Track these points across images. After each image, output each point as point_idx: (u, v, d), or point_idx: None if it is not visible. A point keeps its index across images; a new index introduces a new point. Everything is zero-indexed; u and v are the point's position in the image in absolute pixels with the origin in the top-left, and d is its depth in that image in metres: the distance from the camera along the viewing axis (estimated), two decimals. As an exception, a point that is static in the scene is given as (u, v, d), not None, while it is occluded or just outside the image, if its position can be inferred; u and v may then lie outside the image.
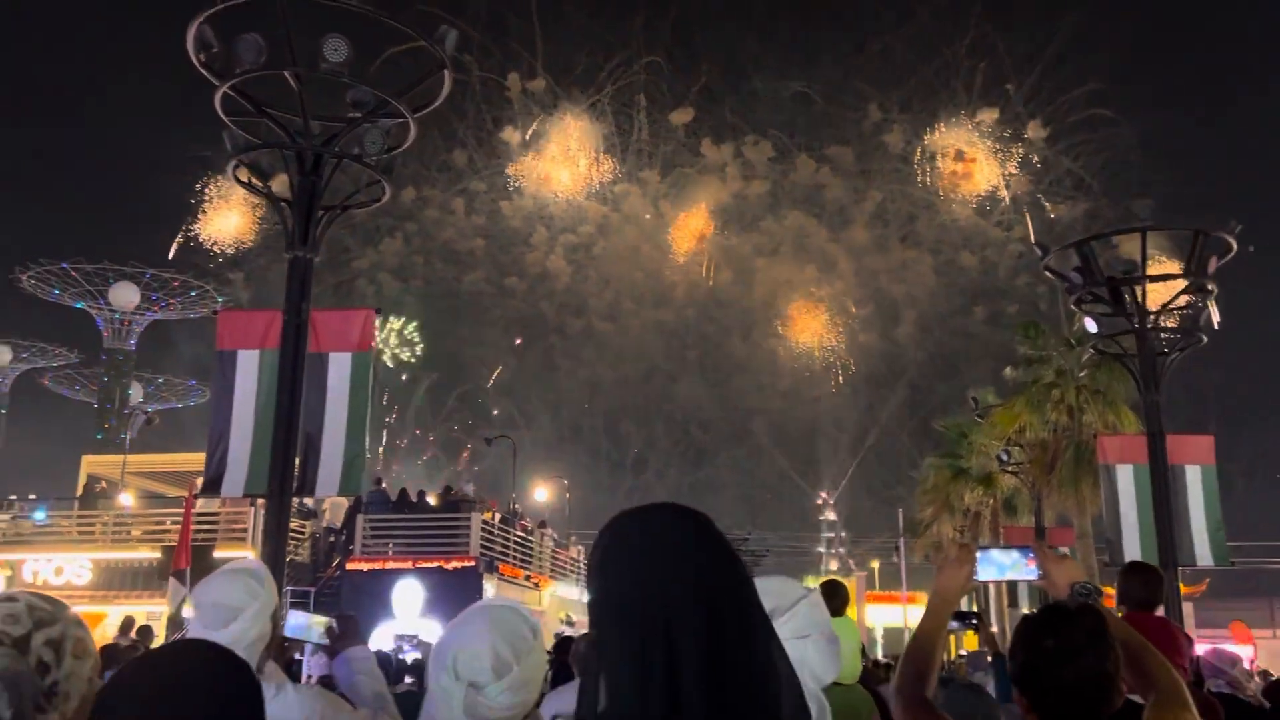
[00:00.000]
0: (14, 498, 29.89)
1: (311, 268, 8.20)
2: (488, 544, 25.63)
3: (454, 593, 22.62)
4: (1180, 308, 11.95)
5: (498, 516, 27.92)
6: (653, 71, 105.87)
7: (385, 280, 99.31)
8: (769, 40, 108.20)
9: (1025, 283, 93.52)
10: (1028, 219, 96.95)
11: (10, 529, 26.34)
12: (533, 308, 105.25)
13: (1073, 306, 12.83)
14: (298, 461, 8.00)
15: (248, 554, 20.39)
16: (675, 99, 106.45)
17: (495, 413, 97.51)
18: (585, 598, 1.48)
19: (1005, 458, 25.43)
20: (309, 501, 23.90)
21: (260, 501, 8.96)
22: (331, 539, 25.68)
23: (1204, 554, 11.45)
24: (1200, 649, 7.31)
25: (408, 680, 9.42)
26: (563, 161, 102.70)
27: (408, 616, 22.65)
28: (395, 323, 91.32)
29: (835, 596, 9.16)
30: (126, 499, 27.61)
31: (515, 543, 28.13)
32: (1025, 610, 25.70)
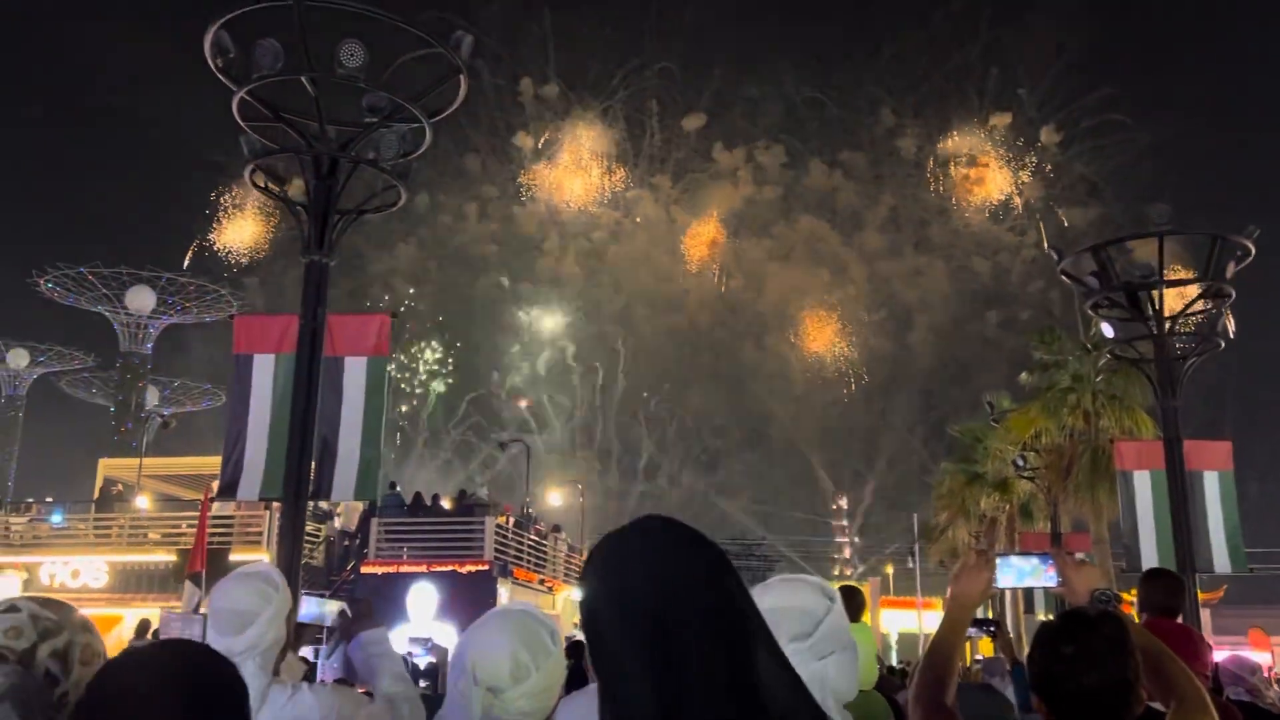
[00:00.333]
0: (31, 500, 30.10)
1: (328, 272, 8.22)
2: (502, 548, 25.66)
3: (468, 596, 22.67)
4: (1198, 313, 11.88)
5: (512, 521, 27.96)
6: (664, 77, 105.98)
7: (399, 285, 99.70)
8: (781, 45, 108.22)
9: (1038, 288, 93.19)
10: (1041, 225, 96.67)
11: (28, 531, 26.51)
12: (546, 312, 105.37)
13: (1089, 311, 12.76)
14: (313, 465, 8.02)
15: (263, 557, 20.46)
16: (687, 104, 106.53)
17: (510, 403, 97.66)
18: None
19: (1021, 463, 25.30)
20: (324, 505, 23.96)
21: (275, 505, 8.99)
22: (346, 542, 25.76)
23: (1222, 560, 11.38)
24: (1218, 656, 7.26)
25: (422, 684, 9.43)
26: (575, 171, 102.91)
27: (422, 620, 22.69)
28: (431, 354, 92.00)
29: (852, 602, 9.14)
30: (142, 502, 27.75)
31: (529, 547, 28.16)
32: (1041, 616, 25.57)
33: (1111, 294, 11.49)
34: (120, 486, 28.90)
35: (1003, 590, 29.16)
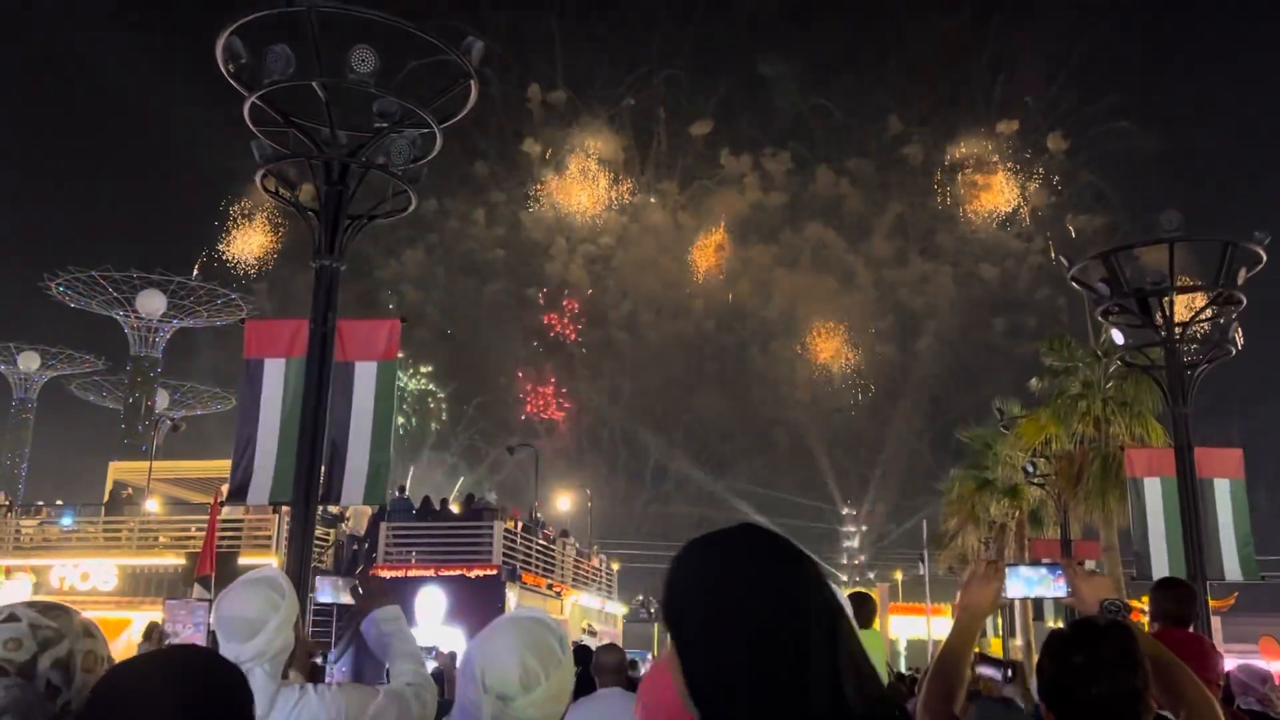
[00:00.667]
0: (41, 503, 30.17)
1: (338, 277, 8.24)
2: (510, 552, 25.66)
3: (476, 601, 22.66)
4: (1208, 320, 11.83)
5: (520, 525, 27.96)
6: (672, 84, 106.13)
7: (407, 290, 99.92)
8: (788, 52, 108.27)
9: (1045, 295, 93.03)
10: (1048, 232, 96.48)
11: (38, 534, 26.58)
12: (552, 318, 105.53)
13: (1100, 318, 12.73)
14: (323, 470, 8.03)
15: (271, 561, 20.50)
16: (694, 111, 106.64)
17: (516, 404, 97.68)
18: (667, 613, 1.54)
19: (1031, 469, 25.21)
20: (332, 509, 24.00)
21: (284, 509, 9.02)
22: (355, 547, 25.77)
23: (1233, 568, 11.33)
24: (1229, 664, 7.23)
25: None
26: (582, 181, 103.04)
27: (430, 624, 22.69)
28: (416, 382, 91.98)
29: (863, 608, 9.12)
30: (152, 505, 27.82)
31: (537, 551, 28.15)
32: (1051, 624, 25.48)
33: (1122, 300, 11.46)
34: (130, 490, 28.97)
35: (1012, 599, 28.94)
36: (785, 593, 1.44)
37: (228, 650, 3.00)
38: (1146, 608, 5.50)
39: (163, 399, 67.02)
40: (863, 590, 9.82)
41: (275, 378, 8.28)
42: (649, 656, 38.25)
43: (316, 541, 21.20)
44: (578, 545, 34.38)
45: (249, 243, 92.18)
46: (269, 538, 23.24)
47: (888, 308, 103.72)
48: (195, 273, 67.14)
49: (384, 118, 8.25)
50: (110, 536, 25.96)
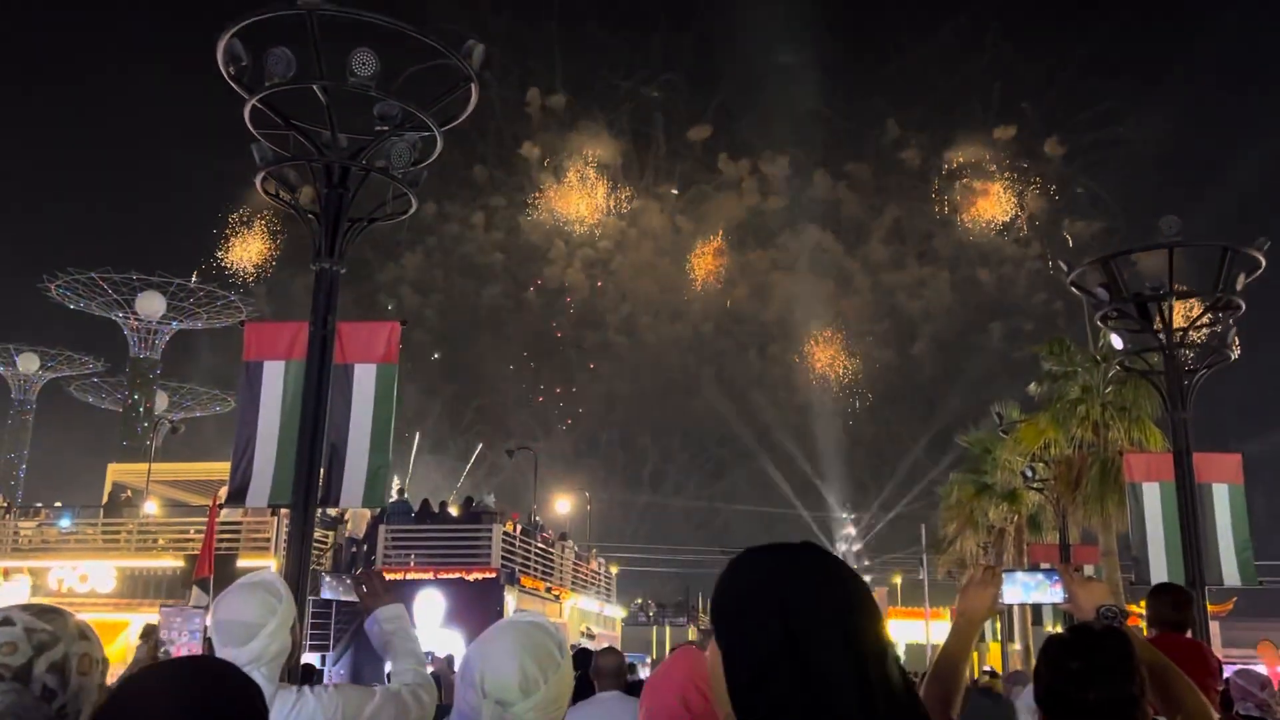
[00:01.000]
0: (40, 505, 30.15)
1: (338, 280, 8.25)
2: (509, 555, 25.65)
3: (475, 604, 22.65)
4: (1207, 325, 11.84)
5: (519, 528, 27.94)
6: (671, 88, 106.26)
7: (406, 293, 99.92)
8: (787, 57, 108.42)
9: (1042, 300, 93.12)
10: (1044, 238, 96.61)
11: (36, 536, 26.56)
12: (550, 321, 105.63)
13: (1099, 323, 12.74)
14: (322, 472, 8.03)
15: (270, 563, 20.49)
16: (692, 116, 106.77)
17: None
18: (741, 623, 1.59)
19: (1030, 474, 25.21)
20: (331, 511, 23.99)
21: (283, 511, 9.03)
22: (354, 549, 25.75)
23: (1231, 573, 11.33)
24: (1228, 670, 7.23)
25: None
26: (581, 189, 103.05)
27: (429, 627, 22.67)
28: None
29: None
30: (151, 507, 27.80)
31: (536, 554, 28.13)
32: (1050, 629, 25.45)
33: (1121, 305, 11.47)
34: (129, 492, 28.96)
35: (1010, 605, 28.93)
36: (828, 607, 1.53)
37: (224, 654, 3.00)
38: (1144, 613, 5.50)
39: (162, 401, 66.98)
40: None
41: (275, 380, 8.28)
42: (648, 660, 38.23)
43: (316, 544, 21.19)
44: (576, 548, 34.37)
45: (248, 250, 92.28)
46: (268, 540, 23.23)
47: (885, 311, 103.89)
48: (194, 278, 66.97)
49: (384, 121, 8.26)
50: (109, 538, 25.94)
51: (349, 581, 23.07)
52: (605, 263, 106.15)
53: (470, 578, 24.21)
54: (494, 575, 24.32)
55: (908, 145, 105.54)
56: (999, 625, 36.91)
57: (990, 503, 32.58)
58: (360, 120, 8.48)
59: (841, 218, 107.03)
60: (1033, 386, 27.33)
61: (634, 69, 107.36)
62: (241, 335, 8.71)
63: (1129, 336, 12.06)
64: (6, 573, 25.20)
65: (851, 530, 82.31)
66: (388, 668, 3.68)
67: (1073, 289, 12.11)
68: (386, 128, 8.27)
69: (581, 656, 8.54)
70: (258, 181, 8.67)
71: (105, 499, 28.88)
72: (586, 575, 33.95)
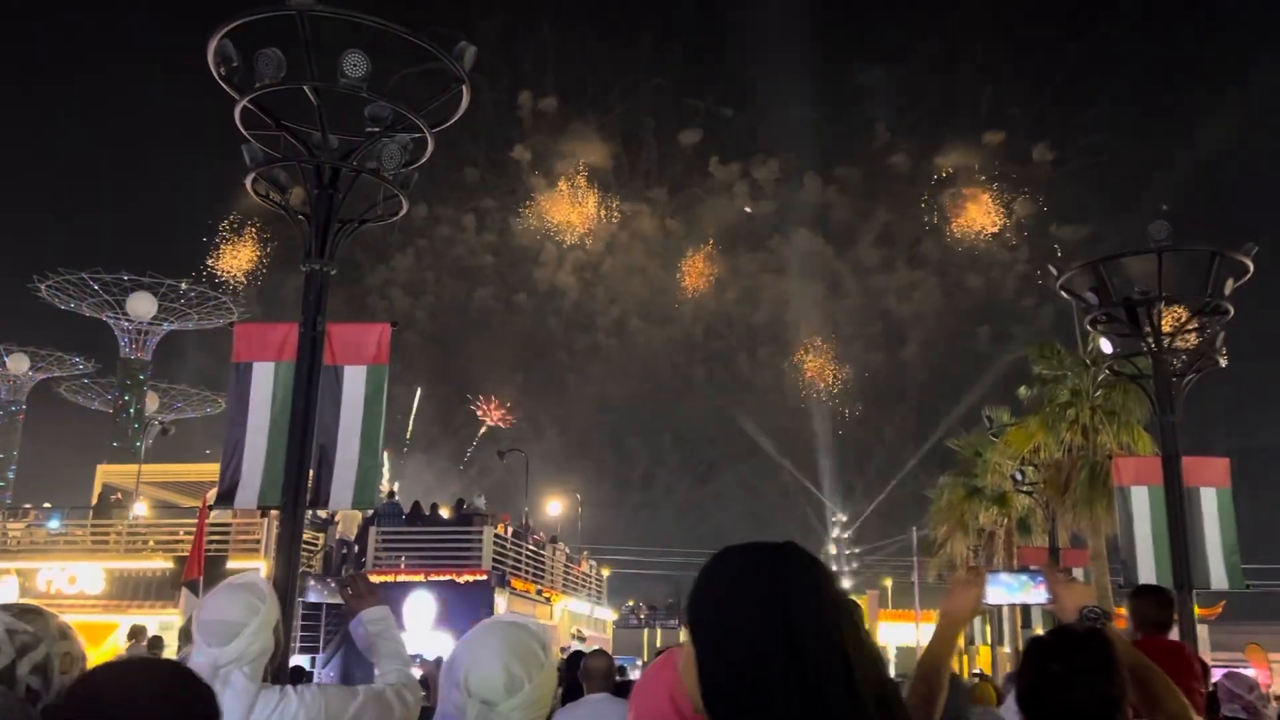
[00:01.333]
0: (29, 506, 30.04)
1: (328, 281, 8.24)
2: (500, 558, 25.63)
3: (466, 606, 22.63)
4: (1196, 329, 11.89)
5: (510, 530, 27.93)
6: (662, 92, 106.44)
7: (397, 295, 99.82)
8: (777, 62, 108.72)
9: (1030, 304, 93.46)
10: (1029, 242, 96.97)
11: (25, 537, 26.47)
12: (541, 324, 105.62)
13: (1088, 327, 12.78)
14: (311, 474, 8.02)
15: (260, 565, 20.45)
16: (683, 119, 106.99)
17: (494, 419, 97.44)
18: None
19: (1019, 477, 25.27)
20: (322, 513, 23.95)
21: (273, 513, 9.01)
22: (344, 551, 25.72)
23: (1219, 577, 11.36)
24: (1216, 673, 7.25)
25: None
26: (571, 197, 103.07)
27: (420, 629, 22.65)
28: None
29: (847, 615, 9.14)
30: (140, 508, 27.72)
31: (527, 557, 28.12)
32: (1040, 631, 25.49)
33: (1110, 310, 11.51)
34: (119, 494, 28.88)
35: (998, 607, 29.07)
36: (826, 604, 1.55)
37: (207, 653, 3.01)
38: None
39: (153, 402, 66.78)
40: (849, 597, 9.80)
41: (264, 381, 8.26)
42: (639, 662, 38.23)
43: (306, 546, 21.16)
44: (567, 550, 34.36)
45: (238, 257, 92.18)
46: (258, 542, 23.18)
47: (874, 315, 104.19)
48: (184, 287, 66.69)
49: (375, 122, 8.26)
50: (98, 540, 25.86)
51: (333, 585, 23.06)
52: (596, 266, 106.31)
53: (461, 580, 24.19)
54: (485, 577, 24.31)
55: (897, 150, 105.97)
56: (989, 628, 37.00)
57: (980, 506, 32.67)
58: (351, 121, 8.47)
59: (831, 221, 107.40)
60: (1022, 390, 27.42)
61: (625, 72, 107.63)
62: (232, 336, 8.70)
63: (1118, 341, 12.11)
64: (-5, 574, 25.11)
65: (842, 533, 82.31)
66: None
67: (1062, 293, 12.14)
68: (377, 129, 8.27)
69: (573, 658, 8.54)
70: (248, 182, 8.66)
71: (95, 500, 28.80)
72: (577, 577, 33.95)
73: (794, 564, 1.58)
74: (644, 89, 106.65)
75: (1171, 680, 2.65)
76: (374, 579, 24.11)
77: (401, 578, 24.26)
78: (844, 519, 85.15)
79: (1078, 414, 24.56)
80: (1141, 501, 11.53)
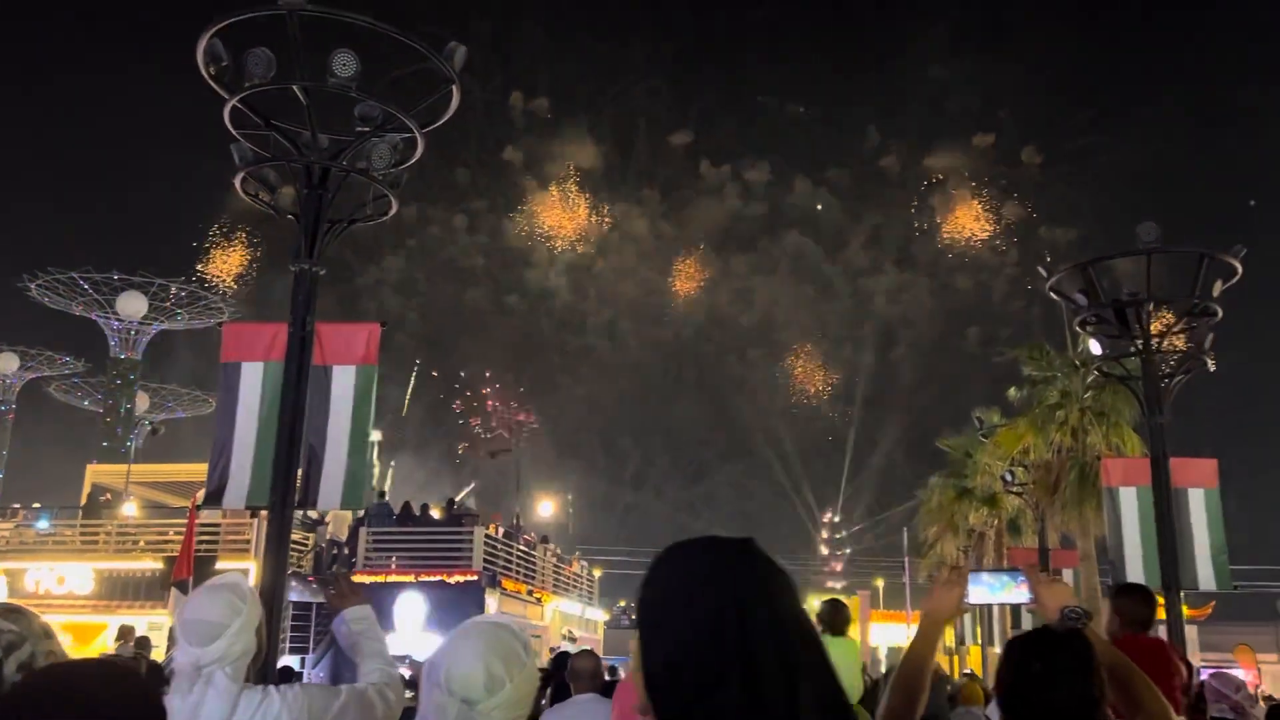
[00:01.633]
0: (18, 506, 29.93)
1: (317, 281, 8.23)
2: (490, 558, 25.62)
3: (456, 607, 22.59)
4: (1185, 330, 11.93)
5: (501, 531, 27.92)
6: (653, 94, 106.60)
7: (387, 296, 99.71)
8: (768, 65, 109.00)
9: (1019, 306, 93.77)
10: (1018, 245, 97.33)
11: (14, 537, 26.37)
12: (533, 325, 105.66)
13: (1078, 328, 12.82)
14: (300, 474, 8.01)
15: (249, 565, 20.41)
16: (675, 121, 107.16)
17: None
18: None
19: (1009, 478, 25.33)
20: (312, 514, 23.91)
21: (262, 513, 8.99)
22: (335, 551, 25.68)
23: (1207, 577, 11.40)
24: (1205, 673, 7.28)
25: (407, 694, 9.42)
26: (563, 205, 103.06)
27: (410, 630, 22.61)
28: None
29: (837, 615, 9.15)
30: (130, 509, 27.64)
31: (518, 557, 28.10)
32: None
33: (1099, 311, 11.55)
34: (109, 495, 28.80)
35: (989, 607, 29.15)
36: (738, 599, 1.48)
37: (189, 653, 3.02)
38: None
39: (143, 402, 66.56)
40: (837, 598, 9.83)
41: (253, 381, 8.24)
42: (630, 663, 38.17)
43: (295, 546, 21.12)
44: (558, 551, 34.34)
45: (229, 260, 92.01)
46: (247, 542, 23.14)
47: (864, 316, 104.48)
48: (174, 289, 66.42)
49: (365, 122, 8.25)
50: (87, 540, 25.78)
51: (315, 585, 23.04)
52: (587, 267, 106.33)
53: (452, 580, 24.16)
54: (475, 578, 24.28)
55: (888, 152, 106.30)
56: (979, 629, 37.08)
57: (970, 507, 32.77)
58: (341, 121, 8.46)
59: (821, 223, 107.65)
60: (1012, 391, 27.50)
61: (617, 74, 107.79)
62: (221, 336, 8.68)
63: (1107, 342, 12.15)
64: (-17, 574, 25.01)
65: (833, 534, 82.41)
66: None
67: (1051, 294, 12.18)
68: (367, 129, 8.26)
69: (560, 659, 8.55)
70: (237, 182, 8.64)
71: (84, 500, 28.71)
72: (568, 578, 33.94)
73: (751, 561, 1.52)
74: (636, 91, 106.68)
75: (1152, 680, 2.67)
76: (364, 579, 24.15)
77: (392, 578, 24.22)
78: (835, 519, 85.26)
79: (1067, 415, 24.63)
80: (1130, 502, 11.57)
